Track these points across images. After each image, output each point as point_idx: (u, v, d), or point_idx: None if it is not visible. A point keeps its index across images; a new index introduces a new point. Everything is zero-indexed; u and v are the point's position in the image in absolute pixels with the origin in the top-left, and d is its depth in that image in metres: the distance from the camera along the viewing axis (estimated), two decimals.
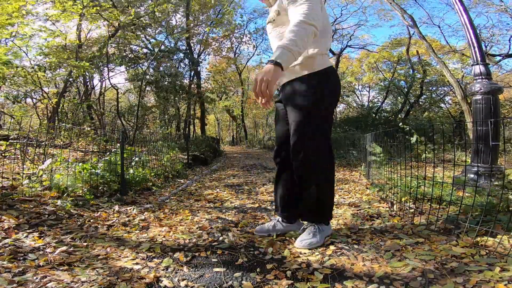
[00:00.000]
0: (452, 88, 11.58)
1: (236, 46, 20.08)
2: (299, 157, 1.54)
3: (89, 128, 7.27)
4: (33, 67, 6.01)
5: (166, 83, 10.78)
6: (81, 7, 5.42)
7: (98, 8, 5.90)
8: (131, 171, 3.42)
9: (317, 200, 1.60)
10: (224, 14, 12.43)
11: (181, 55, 12.77)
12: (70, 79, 7.47)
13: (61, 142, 4.33)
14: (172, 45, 12.21)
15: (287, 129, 1.65)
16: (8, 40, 5.39)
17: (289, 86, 1.60)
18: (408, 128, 2.94)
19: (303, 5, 1.40)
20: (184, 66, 13.22)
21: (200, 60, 14.26)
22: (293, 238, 1.68)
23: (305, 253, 1.48)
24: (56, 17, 5.72)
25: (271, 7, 1.68)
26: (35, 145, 3.69)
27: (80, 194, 2.52)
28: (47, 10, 6.34)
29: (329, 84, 1.55)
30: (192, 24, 13.02)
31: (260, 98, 1.33)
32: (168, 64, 11.66)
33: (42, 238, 1.61)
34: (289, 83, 1.60)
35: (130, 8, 7.59)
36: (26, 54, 6.79)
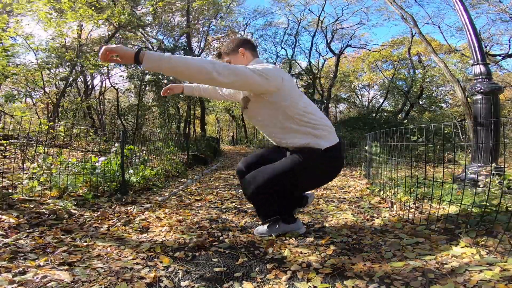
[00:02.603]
0: (452, 88, 11.58)
1: None
2: (246, 187, 1.65)
3: (89, 128, 7.27)
4: (26, 69, 6.03)
5: (165, 81, 10.77)
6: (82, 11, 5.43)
7: (94, 10, 5.90)
8: (131, 170, 3.41)
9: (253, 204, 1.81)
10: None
11: (181, 53, 12.76)
12: (70, 79, 7.47)
13: (61, 142, 4.33)
14: (172, 45, 12.21)
15: (264, 156, 1.80)
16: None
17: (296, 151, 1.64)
18: (413, 127, 2.94)
19: (248, 69, 1.45)
20: None
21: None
22: (293, 238, 1.68)
23: (305, 253, 1.48)
24: (49, 22, 5.73)
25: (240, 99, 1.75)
26: (35, 144, 3.69)
27: (80, 194, 2.51)
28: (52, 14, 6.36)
29: (324, 162, 1.59)
30: (192, 21, 13.02)
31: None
32: None
33: (42, 238, 1.61)
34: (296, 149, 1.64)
35: (128, 7, 7.58)
36: (35, 53, 6.81)
